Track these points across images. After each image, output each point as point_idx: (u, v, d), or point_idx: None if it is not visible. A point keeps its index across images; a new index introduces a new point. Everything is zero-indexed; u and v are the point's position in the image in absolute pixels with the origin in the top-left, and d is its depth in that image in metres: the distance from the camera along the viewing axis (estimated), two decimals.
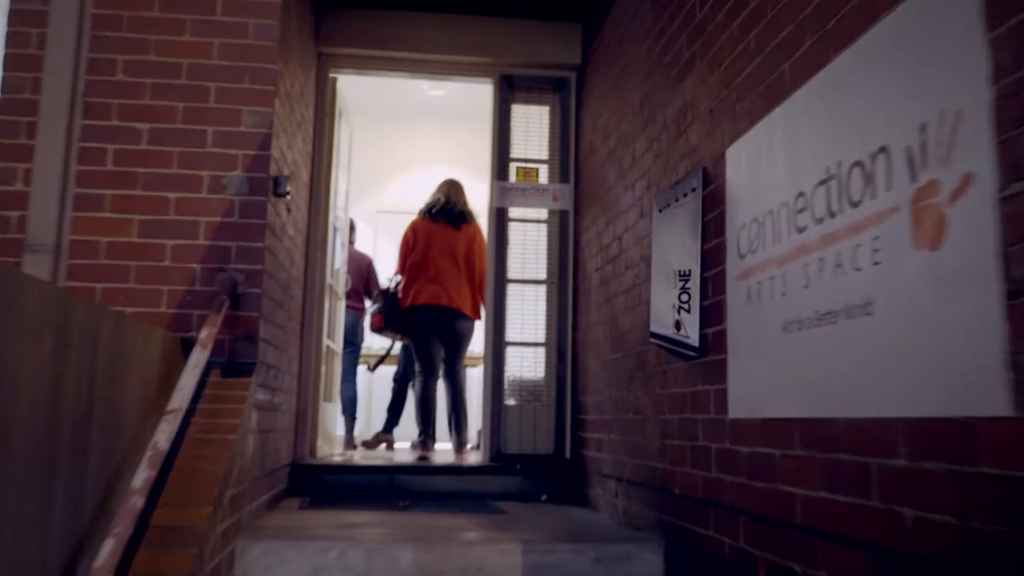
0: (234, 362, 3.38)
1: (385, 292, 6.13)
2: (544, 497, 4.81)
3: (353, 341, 6.88)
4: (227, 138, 3.53)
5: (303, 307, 4.91)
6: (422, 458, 5.49)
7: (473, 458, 5.45)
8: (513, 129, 5.38)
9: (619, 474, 3.97)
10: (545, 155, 5.39)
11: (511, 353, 5.17)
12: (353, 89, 6.19)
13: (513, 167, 5.34)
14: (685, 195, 3.17)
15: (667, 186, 3.44)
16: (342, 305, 6.07)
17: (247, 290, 3.46)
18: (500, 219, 5.25)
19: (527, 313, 5.21)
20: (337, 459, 5.37)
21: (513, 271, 5.24)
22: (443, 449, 6.88)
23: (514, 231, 5.29)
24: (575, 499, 4.73)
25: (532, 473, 4.89)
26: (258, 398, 3.47)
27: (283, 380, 4.22)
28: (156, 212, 3.46)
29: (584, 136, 5.15)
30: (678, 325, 3.11)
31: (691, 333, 3.02)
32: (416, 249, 5.88)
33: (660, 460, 3.40)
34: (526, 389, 5.16)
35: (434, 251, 5.82)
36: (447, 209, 5.96)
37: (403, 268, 6.04)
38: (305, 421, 4.88)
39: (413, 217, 6.19)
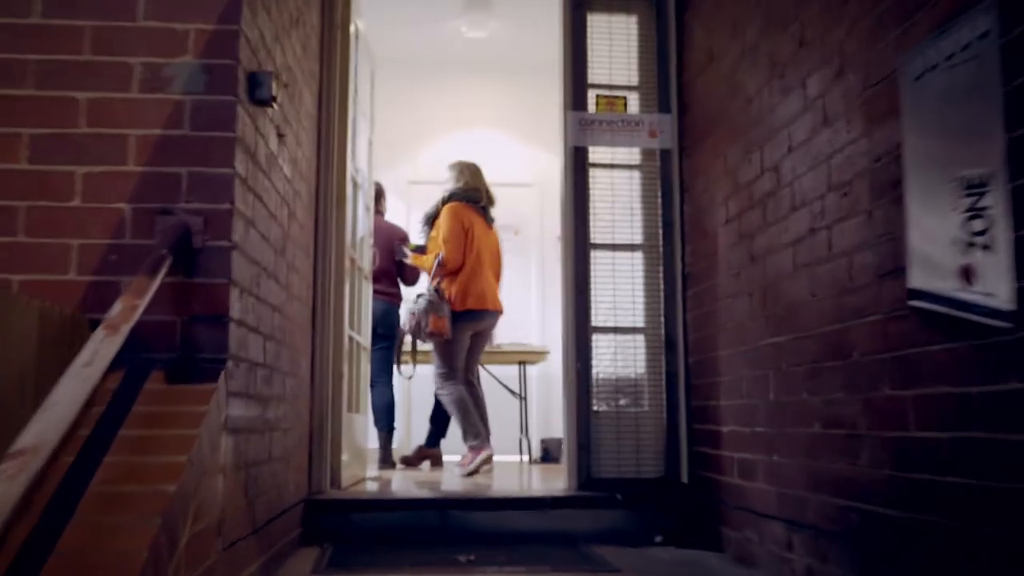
0: (189, 359, 2.07)
1: (438, 291, 4.94)
2: (659, 539, 3.45)
3: (386, 334, 5.56)
4: (170, 5, 2.22)
5: (314, 283, 3.59)
6: (486, 461, 4.88)
7: (557, 484, 4.08)
8: (591, 46, 4.01)
9: (794, 516, 2.59)
10: (634, 79, 4.02)
11: (600, 343, 3.81)
12: (377, 38, 4.93)
13: (592, 96, 3.97)
14: (964, 47, 1.78)
15: (925, 39, 2.05)
16: (369, 288, 4.75)
17: (208, 242, 2.14)
18: (578, 163, 3.89)
19: (621, 289, 3.83)
20: (370, 488, 4.04)
21: (599, 234, 3.87)
22: (499, 461, 5.55)
23: (598, 180, 3.92)
24: (704, 540, 3.36)
25: (637, 504, 3.52)
26: (233, 414, 2.15)
27: (284, 385, 2.90)
28: (57, 123, 2.15)
29: (694, 46, 3.76)
30: (967, 273, 1.73)
31: (996, 286, 1.64)
32: (470, 243, 5.24)
33: (893, 503, 2.03)
34: (622, 390, 3.79)
35: (479, 245, 5.27)
36: (483, 199, 5.48)
37: (461, 262, 5.13)
38: (322, 440, 3.57)
39: (436, 187, 5.61)
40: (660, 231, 3.87)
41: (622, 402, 3.78)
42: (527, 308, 7.29)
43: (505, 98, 7.55)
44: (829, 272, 2.39)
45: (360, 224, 4.39)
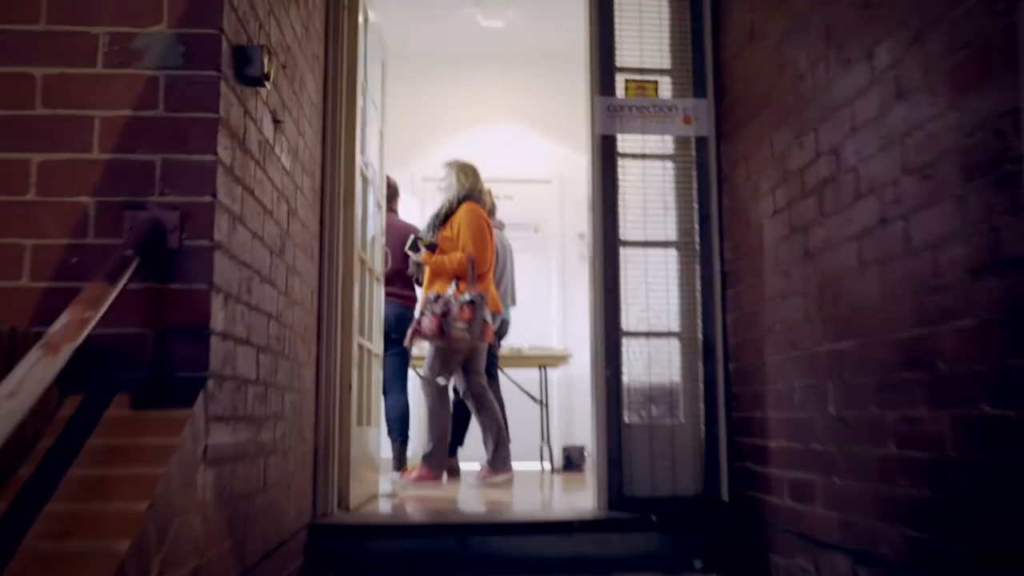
0: (162, 379, 1.77)
1: (482, 296, 4.79)
2: (698, 564, 3.12)
3: (401, 340, 5.25)
4: None
5: (319, 288, 3.29)
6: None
7: (583, 502, 3.76)
8: (619, 27, 3.68)
9: (863, 547, 2.26)
10: (667, 62, 3.69)
11: (631, 348, 3.48)
12: (389, 28, 4.66)
13: (621, 80, 3.64)
14: None
15: None
16: (381, 291, 4.44)
17: (185, 242, 1.84)
18: (607, 153, 3.56)
19: (654, 289, 3.51)
20: (381, 510, 3.74)
21: (630, 230, 3.55)
22: (519, 469, 5.25)
23: (628, 171, 3.60)
24: (749, 566, 3.03)
25: (674, 526, 3.20)
26: (215, 443, 1.85)
27: (283, 401, 2.60)
28: (9, 103, 1.86)
29: (732, 23, 3.44)
30: None
31: None
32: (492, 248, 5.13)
33: (993, 540, 1.69)
34: (656, 400, 3.47)
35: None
36: (488, 202, 5.40)
37: (488, 267, 5.03)
38: (329, 458, 3.26)
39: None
40: (696, 226, 3.54)
41: (656, 413, 3.46)
42: (547, 310, 6.97)
43: (523, 90, 7.24)
44: (906, 268, 2.06)
45: (371, 222, 4.09)
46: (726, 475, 3.31)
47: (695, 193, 3.55)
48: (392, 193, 5.54)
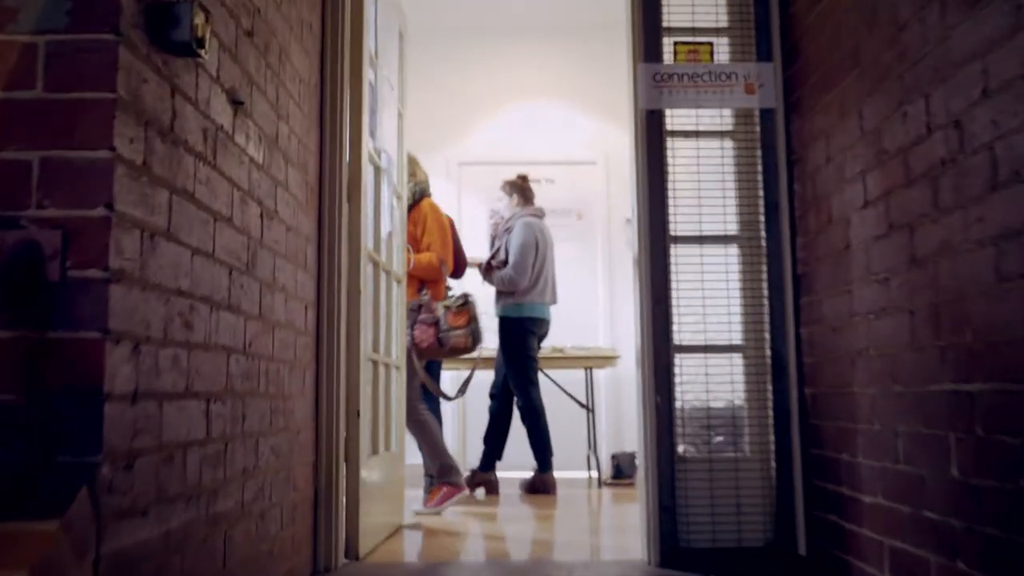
0: (38, 466, 1.27)
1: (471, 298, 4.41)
2: None
3: None
4: None
5: (317, 301, 2.78)
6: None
7: (631, 549, 3.21)
8: None
9: None
10: (723, 19, 3.10)
11: (686, 366, 2.92)
12: (414, 8, 4.16)
13: (669, 44, 3.07)
14: None
15: None
16: (401, 293, 3.93)
17: (70, 272, 1.34)
18: (653, 132, 2.99)
19: (711, 294, 2.94)
20: (400, 557, 3.24)
21: (682, 223, 2.98)
22: (565, 478, 4.76)
23: (679, 153, 3.03)
24: None
25: None
26: (119, 547, 1.35)
27: (257, 454, 2.10)
28: None
29: None
30: None
31: None
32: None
33: None
34: (716, 427, 2.91)
35: None
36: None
37: (451, 270, 4.69)
38: (332, 502, 2.76)
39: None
40: (762, 218, 2.96)
41: (716, 443, 2.90)
42: (592, 304, 6.42)
43: (564, 64, 6.66)
44: None
45: (385, 217, 3.58)
46: (803, 525, 2.74)
47: (760, 178, 2.97)
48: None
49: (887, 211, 2.19)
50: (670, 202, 2.97)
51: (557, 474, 5.12)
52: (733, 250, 3.00)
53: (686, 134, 3.03)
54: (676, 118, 3.02)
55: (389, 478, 3.50)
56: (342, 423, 2.85)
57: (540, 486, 4.97)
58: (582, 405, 5.63)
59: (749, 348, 2.92)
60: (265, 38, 2.23)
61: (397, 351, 3.79)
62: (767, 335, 2.91)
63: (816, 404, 2.70)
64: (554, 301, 5.22)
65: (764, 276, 2.93)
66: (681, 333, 2.92)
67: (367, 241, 3.18)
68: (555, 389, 5.51)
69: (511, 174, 6.31)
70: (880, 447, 2.22)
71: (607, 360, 5.46)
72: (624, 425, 6.18)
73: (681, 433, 2.87)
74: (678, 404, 2.87)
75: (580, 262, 6.43)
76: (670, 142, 3.01)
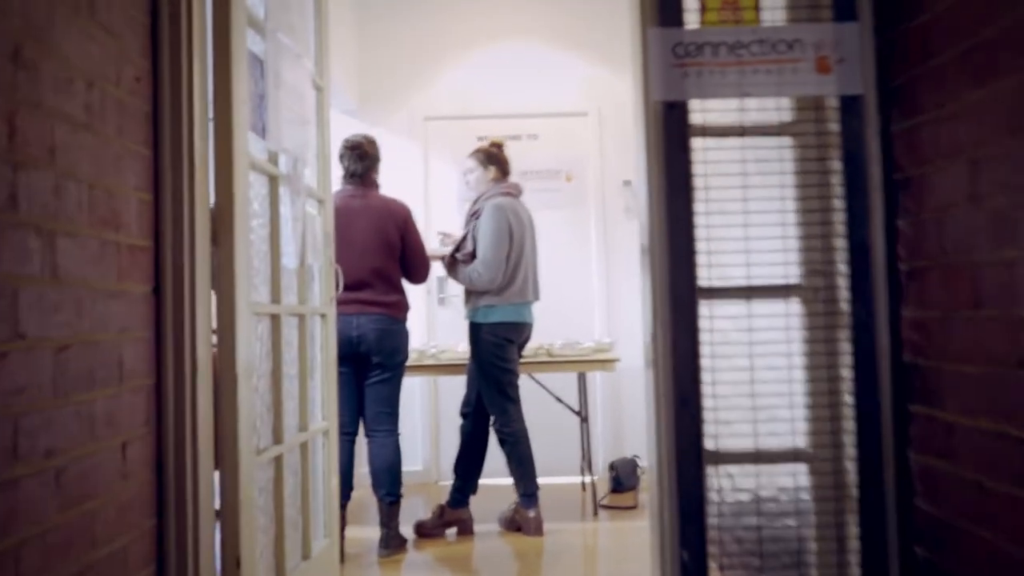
0: None
1: None
2: None
3: (386, 363, 3.81)
4: None
5: (158, 406, 1.78)
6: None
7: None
8: None
9: None
10: None
11: (722, 478, 1.96)
12: None
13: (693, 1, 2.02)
14: None
15: None
16: (329, 331, 2.91)
17: None
18: (673, 132, 1.96)
19: (762, 378, 1.96)
20: None
21: (717, 267, 1.97)
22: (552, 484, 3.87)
23: (709, 159, 2.00)
24: None
25: None
26: None
27: None
28: None
29: None
30: None
31: None
32: None
33: None
34: (771, 568, 1.96)
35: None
36: None
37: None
38: None
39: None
40: (843, 264, 1.95)
41: None
42: (585, 286, 5.43)
43: None
44: None
45: (291, 244, 2.54)
46: None
47: (842, 203, 1.95)
48: (370, 160, 3.98)
49: None
50: (700, 237, 1.96)
51: (545, 480, 4.26)
52: (795, 306, 2.01)
53: (722, 133, 2.00)
54: (704, 110, 1.99)
55: None
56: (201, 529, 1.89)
57: (524, 525, 4.07)
58: (575, 412, 4.71)
59: (818, 456, 1.96)
60: None
61: (329, 412, 2.82)
62: (843, 440, 1.94)
63: (938, 562, 1.74)
64: (536, 298, 4.23)
65: (839, 345, 1.95)
66: (719, 439, 1.95)
67: (256, 293, 2.18)
68: (541, 393, 4.59)
69: (486, 130, 5.34)
70: None
71: (604, 363, 4.49)
72: (624, 429, 5.27)
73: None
74: (713, 551, 1.92)
75: (569, 233, 5.42)
76: (699, 145, 1.98)
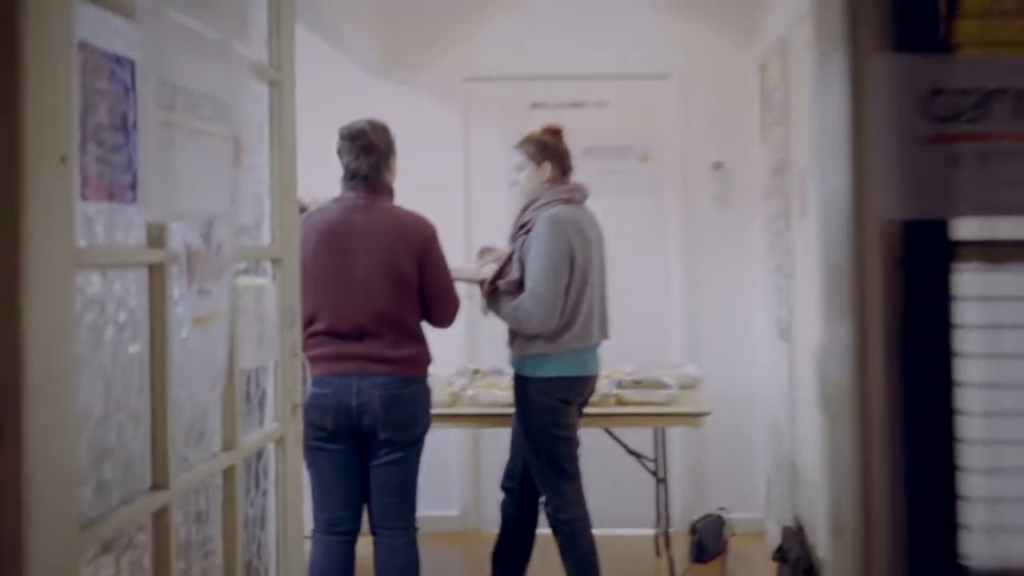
0: None
1: None
2: None
3: (394, 439, 2.84)
4: None
5: None
6: None
7: None
8: None
9: None
10: None
11: None
12: None
13: None
14: None
15: None
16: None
17: None
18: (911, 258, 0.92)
19: None
20: None
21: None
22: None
23: None
24: None
25: None
26: None
27: None
28: None
29: None
30: None
31: None
32: None
33: None
34: None
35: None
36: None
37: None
38: None
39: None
40: None
41: None
42: (661, 294, 4.40)
43: None
44: None
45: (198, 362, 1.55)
46: None
47: None
48: (378, 155, 2.93)
49: None
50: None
51: (608, 532, 3.40)
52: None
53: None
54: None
55: None
56: None
57: None
58: (651, 471, 3.74)
59: None
60: None
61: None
62: None
63: None
64: (605, 337, 3.23)
65: None
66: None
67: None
68: (608, 441, 3.64)
69: (542, 95, 4.31)
70: None
71: (691, 418, 3.47)
72: (706, 484, 4.30)
73: None
74: None
75: (643, 227, 4.42)
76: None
